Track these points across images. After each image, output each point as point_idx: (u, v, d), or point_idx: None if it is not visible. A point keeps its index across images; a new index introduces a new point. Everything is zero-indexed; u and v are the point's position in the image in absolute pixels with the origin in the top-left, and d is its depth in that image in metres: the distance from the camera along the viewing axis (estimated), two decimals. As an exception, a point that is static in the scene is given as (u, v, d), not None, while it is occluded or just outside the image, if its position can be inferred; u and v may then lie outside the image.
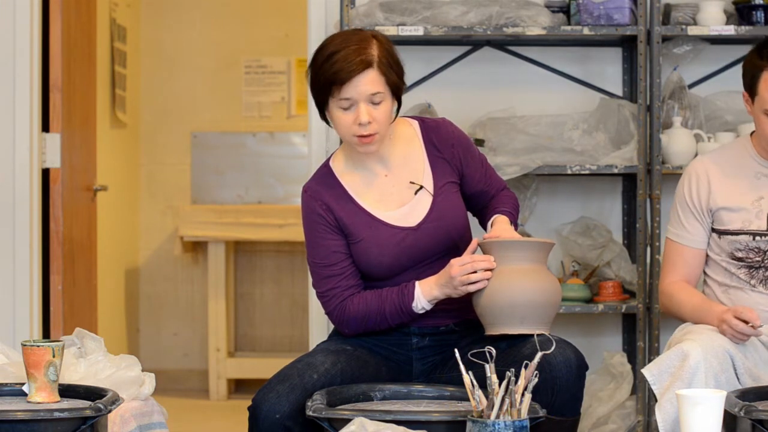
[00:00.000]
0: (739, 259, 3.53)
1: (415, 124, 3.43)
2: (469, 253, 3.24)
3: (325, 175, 3.40)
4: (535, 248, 3.23)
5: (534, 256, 3.22)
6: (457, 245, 3.33)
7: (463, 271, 3.19)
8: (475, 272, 3.18)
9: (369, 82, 3.22)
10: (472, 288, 3.20)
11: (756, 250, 3.51)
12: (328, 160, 3.43)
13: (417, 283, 3.29)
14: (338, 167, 3.39)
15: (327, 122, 3.34)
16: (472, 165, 3.41)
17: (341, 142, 3.45)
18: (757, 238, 3.50)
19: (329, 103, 3.26)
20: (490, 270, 3.19)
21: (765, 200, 3.52)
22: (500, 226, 3.33)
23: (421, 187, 3.35)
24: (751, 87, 3.49)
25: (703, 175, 3.60)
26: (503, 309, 3.18)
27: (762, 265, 3.51)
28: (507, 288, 3.18)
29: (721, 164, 3.62)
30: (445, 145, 3.39)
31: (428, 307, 3.29)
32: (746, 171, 3.58)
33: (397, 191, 3.36)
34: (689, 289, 3.59)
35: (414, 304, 3.28)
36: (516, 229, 3.40)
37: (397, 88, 3.29)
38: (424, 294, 3.27)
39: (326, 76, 3.22)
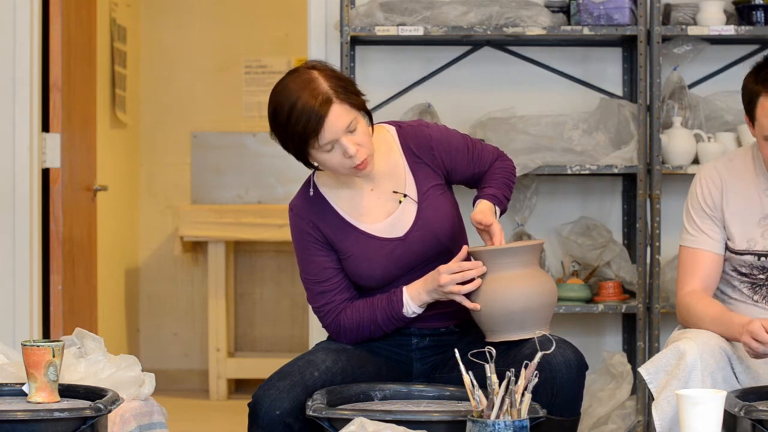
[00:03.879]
0: (743, 275, 3.47)
1: (393, 130, 3.39)
2: (458, 260, 3.23)
3: (309, 191, 3.37)
4: (525, 252, 3.22)
5: (524, 260, 3.21)
6: (448, 248, 3.31)
7: (453, 280, 3.19)
8: (465, 282, 3.19)
9: (338, 117, 3.16)
10: (461, 295, 3.21)
11: (760, 268, 3.43)
12: (312, 175, 3.40)
13: (404, 289, 3.29)
14: (322, 182, 3.37)
15: (314, 167, 3.28)
16: (456, 158, 3.38)
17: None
18: (762, 258, 3.42)
19: (309, 152, 3.22)
20: (481, 275, 3.20)
21: None
22: (480, 211, 3.27)
23: (405, 196, 3.34)
24: (749, 111, 3.37)
25: (717, 178, 3.48)
26: (501, 317, 3.18)
27: (766, 283, 3.44)
28: (502, 296, 3.17)
29: (730, 176, 3.49)
30: (424, 149, 3.36)
31: (419, 311, 3.29)
32: (753, 187, 3.46)
33: (382, 203, 3.34)
34: (705, 299, 3.45)
35: (404, 310, 3.28)
36: (507, 203, 3.37)
37: (361, 105, 3.24)
38: (413, 300, 3.28)
39: (297, 134, 3.16)
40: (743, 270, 3.46)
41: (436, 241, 3.31)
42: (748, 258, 3.43)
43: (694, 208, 3.50)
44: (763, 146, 3.35)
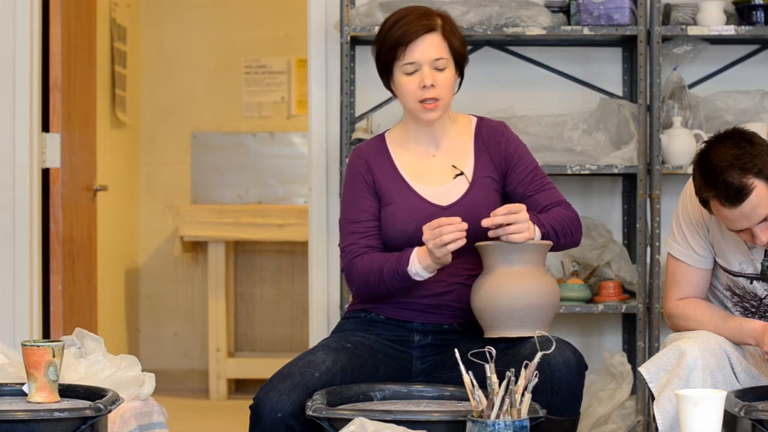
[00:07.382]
0: (737, 296, 3.43)
1: (474, 120, 3.51)
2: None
3: (377, 142, 3.51)
4: (532, 250, 3.22)
5: (531, 258, 3.21)
6: (483, 236, 3.27)
7: (432, 236, 3.19)
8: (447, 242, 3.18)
9: (432, 45, 3.33)
10: (451, 247, 3.18)
11: (752, 294, 3.41)
12: (383, 133, 3.54)
13: (415, 249, 3.29)
14: (392, 139, 3.50)
15: (393, 93, 3.44)
16: (518, 169, 3.43)
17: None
18: (754, 282, 3.39)
19: (394, 70, 3.37)
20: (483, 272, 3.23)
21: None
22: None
23: (462, 173, 3.41)
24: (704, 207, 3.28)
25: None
26: (502, 312, 3.18)
27: (757, 312, 3.42)
28: (505, 291, 3.18)
29: None
30: (493, 142, 3.45)
31: (423, 274, 3.27)
32: None
33: (439, 171, 3.43)
34: (702, 305, 3.43)
35: (409, 269, 3.28)
36: (553, 235, 3.30)
37: (460, 57, 3.39)
38: (420, 260, 3.27)
39: (392, 40, 3.34)
40: (737, 291, 3.43)
41: (473, 224, 3.28)
42: (741, 281, 3.41)
43: (683, 218, 3.44)
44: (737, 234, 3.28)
